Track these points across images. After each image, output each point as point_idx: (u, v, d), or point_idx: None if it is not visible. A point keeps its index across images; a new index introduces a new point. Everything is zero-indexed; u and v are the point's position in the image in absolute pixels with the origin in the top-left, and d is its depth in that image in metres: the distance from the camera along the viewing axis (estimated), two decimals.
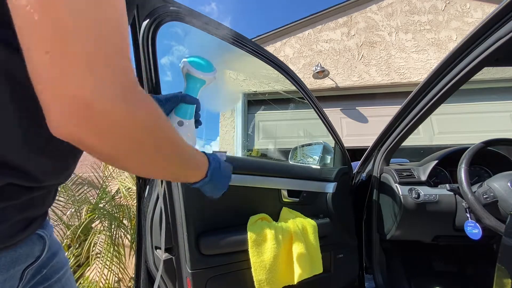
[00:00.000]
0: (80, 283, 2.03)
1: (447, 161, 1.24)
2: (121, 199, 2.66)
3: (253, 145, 3.94)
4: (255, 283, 0.88)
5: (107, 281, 1.98)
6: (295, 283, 0.94)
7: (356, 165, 1.50)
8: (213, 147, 4.21)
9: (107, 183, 2.80)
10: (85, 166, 3.20)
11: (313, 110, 1.23)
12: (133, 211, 2.49)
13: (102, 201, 2.65)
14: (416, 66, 3.81)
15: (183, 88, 0.61)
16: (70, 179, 2.78)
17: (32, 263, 0.40)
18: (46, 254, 0.44)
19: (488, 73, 3.46)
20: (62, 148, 0.37)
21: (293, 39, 4.29)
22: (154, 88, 0.82)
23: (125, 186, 2.62)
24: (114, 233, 2.24)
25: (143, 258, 0.91)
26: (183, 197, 0.87)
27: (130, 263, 2.36)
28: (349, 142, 3.57)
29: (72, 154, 0.42)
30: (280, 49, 4.27)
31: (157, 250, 0.91)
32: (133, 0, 0.67)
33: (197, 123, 0.62)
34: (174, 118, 0.58)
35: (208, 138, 4.38)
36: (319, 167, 1.33)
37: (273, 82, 3.89)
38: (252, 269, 0.89)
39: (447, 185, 1.13)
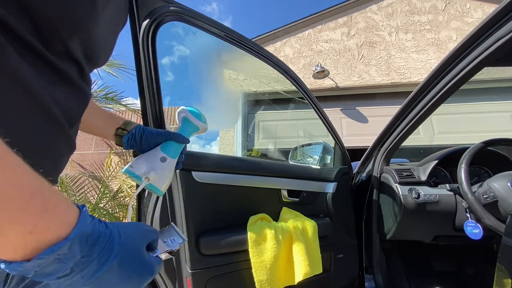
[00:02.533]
0: None
1: (447, 161, 1.24)
2: (121, 199, 2.66)
3: (253, 145, 3.94)
4: (256, 283, 0.88)
5: None
6: (295, 283, 0.94)
7: (356, 165, 1.50)
8: (213, 147, 4.22)
9: (107, 183, 2.80)
10: (85, 166, 3.20)
11: (313, 110, 1.24)
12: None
13: (102, 201, 2.65)
14: (416, 66, 3.81)
15: (178, 122, 0.65)
16: (70, 177, 2.78)
17: None
18: None
19: (488, 73, 3.46)
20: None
21: (293, 39, 4.29)
22: (155, 89, 0.83)
23: (128, 184, 2.62)
24: None
25: None
26: (183, 197, 0.87)
27: None
28: (349, 142, 3.57)
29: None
30: (280, 49, 4.27)
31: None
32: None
33: (178, 165, 0.62)
34: (159, 152, 0.58)
35: (208, 138, 4.39)
36: (319, 167, 1.33)
37: (273, 82, 3.89)
38: (253, 269, 0.89)
39: (447, 185, 1.13)
